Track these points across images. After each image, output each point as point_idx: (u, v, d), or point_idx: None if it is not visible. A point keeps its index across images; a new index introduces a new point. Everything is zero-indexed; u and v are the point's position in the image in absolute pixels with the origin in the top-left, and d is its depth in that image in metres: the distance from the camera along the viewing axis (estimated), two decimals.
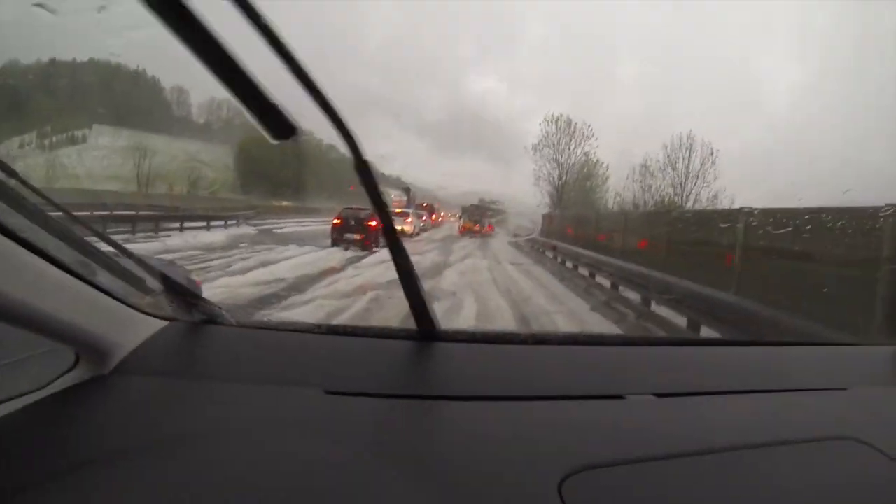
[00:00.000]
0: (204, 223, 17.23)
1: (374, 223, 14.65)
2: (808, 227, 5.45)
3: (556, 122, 29.93)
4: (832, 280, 4.87)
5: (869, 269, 4.53)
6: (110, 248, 0.94)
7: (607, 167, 29.22)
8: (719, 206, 19.56)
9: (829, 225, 5.14)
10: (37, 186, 0.79)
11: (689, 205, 23.52)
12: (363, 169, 0.84)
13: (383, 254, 12.60)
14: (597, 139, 29.45)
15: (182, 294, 1.00)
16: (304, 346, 1.00)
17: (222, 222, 18.44)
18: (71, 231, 0.80)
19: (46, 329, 0.69)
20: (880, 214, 4.59)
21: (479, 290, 8.21)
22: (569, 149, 29.80)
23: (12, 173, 0.78)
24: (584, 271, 10.36)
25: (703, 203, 23.37)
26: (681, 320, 5.46)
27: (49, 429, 0.68)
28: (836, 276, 4.86)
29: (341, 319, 5.44)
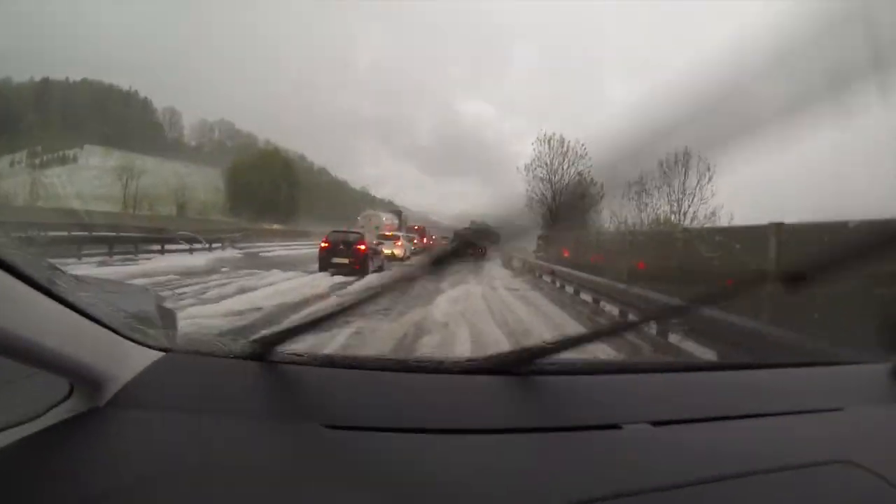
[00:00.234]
0: (187, 246, 16.71)
1: (362, 247, 14.08)
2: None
3: (549, 141, 29.89)
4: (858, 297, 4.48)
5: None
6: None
7: (602, 186, 29.15)
8: (717, 224, 19.39)
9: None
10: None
11: (687, 222, 23.28)
12: None
13: (371, 279, 12.14)
14: (590, 159, 29.47)
15: (176, 324, 1.06)
16: (300, 379, 0.99)
17: (207, 245, 17.90)
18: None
19: (40, 361, 0.68)
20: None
21: (474, 319, 7.64)
22: (562, 168, 29.66)
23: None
24: (586, 297, 9.78)
25: (701, 220, 23.16)
26: (703, 351, 4.91)
27: (45, 463, 0.67)
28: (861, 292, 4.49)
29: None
